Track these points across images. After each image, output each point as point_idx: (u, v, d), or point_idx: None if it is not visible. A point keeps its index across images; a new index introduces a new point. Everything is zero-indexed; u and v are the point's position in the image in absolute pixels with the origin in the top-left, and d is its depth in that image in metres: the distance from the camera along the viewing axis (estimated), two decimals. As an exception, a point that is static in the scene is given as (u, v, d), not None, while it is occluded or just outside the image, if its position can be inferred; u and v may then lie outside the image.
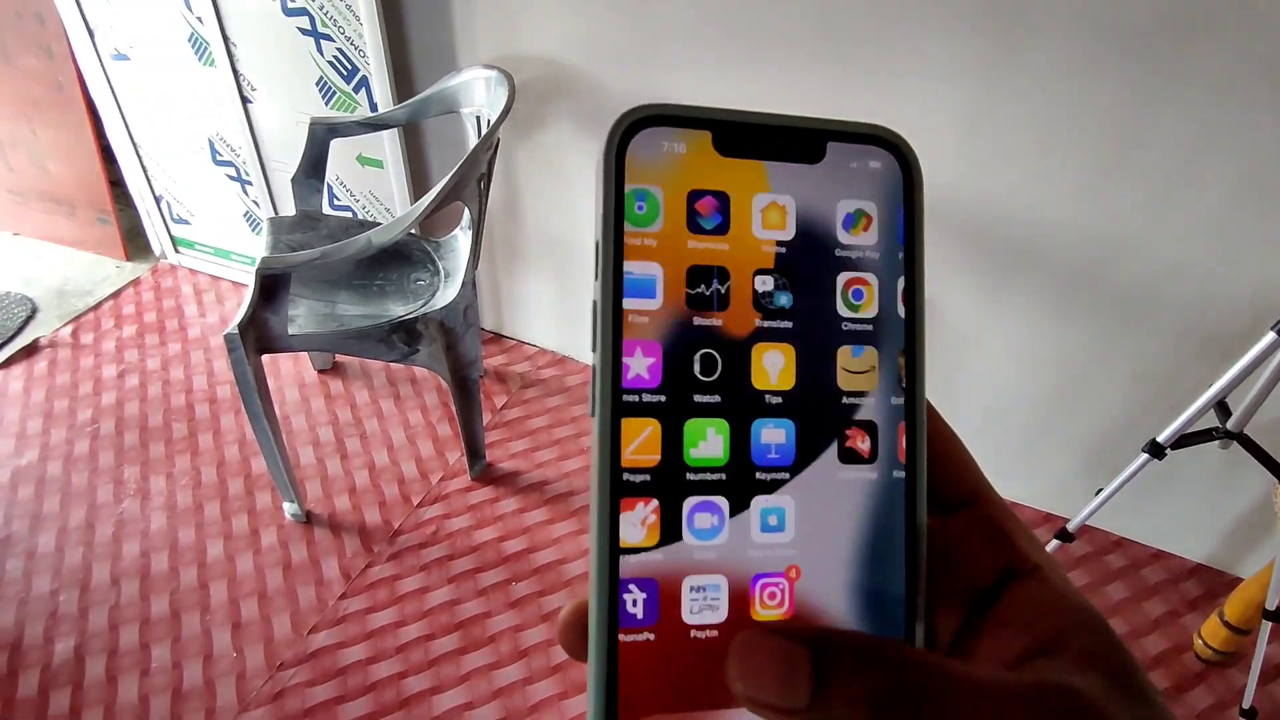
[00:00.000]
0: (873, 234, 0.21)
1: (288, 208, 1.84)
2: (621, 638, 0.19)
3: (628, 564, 0.19)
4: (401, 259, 1.53)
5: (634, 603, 0.19)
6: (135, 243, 2.17)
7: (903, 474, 0.21)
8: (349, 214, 1.80)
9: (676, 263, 0.20)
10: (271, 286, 1.23)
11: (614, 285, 0.19)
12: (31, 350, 1.89)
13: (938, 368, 1.39)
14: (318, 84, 1.61)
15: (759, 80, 1.31)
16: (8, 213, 2.25)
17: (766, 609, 0.20)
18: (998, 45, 1.15)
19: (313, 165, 1.51)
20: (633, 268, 0.19)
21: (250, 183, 1.86)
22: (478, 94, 1.39)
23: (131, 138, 1.92)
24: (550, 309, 1.82)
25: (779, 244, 0.20)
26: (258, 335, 1.27)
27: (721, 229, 0.20)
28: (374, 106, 1.58)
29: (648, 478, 0.19)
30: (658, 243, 0.20)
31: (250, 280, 1.88)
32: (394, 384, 1.81)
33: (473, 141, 1.43)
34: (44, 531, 1.51)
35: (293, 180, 1.52)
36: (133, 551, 1.48)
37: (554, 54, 1.43)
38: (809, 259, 0.20)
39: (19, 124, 2.05)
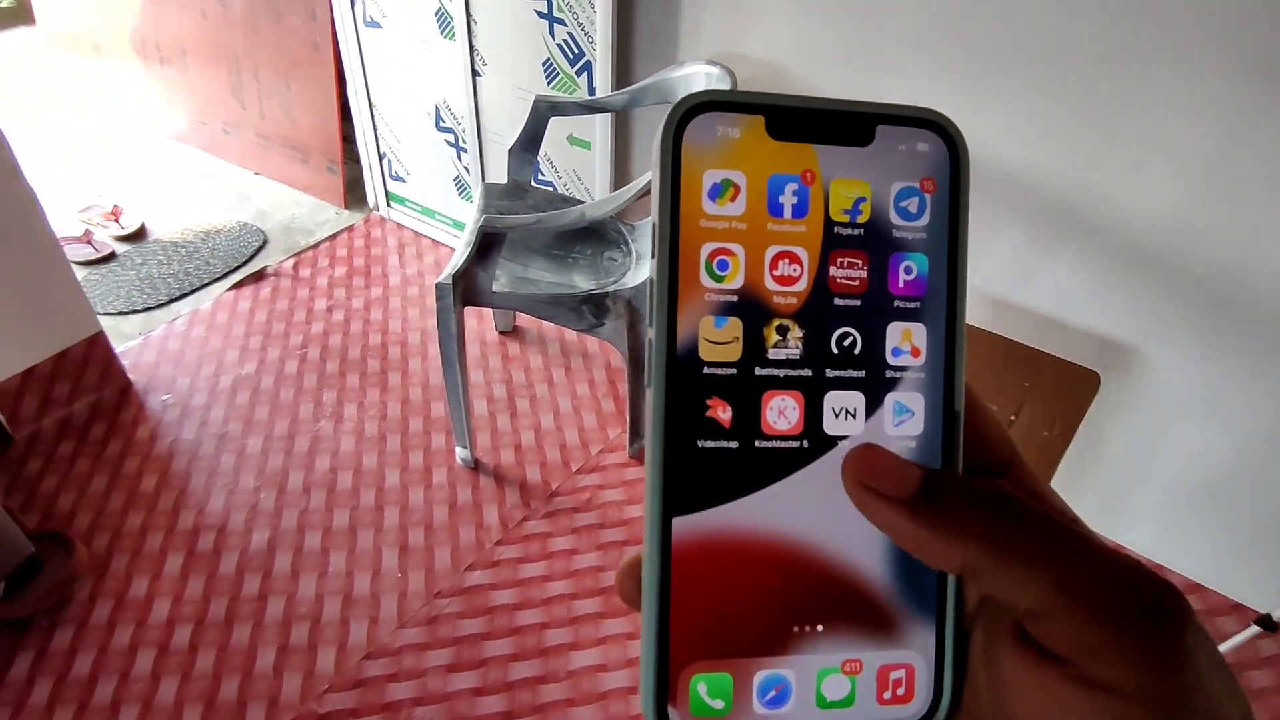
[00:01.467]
0: (922, 214, 0.22)
1: (496, 176, 1.97)
2: (676, 585, 0.20)
3: (684, 522, 0.21)
4: (598, 237, 1.61)
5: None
6: (354, 193, 2.39)
7: (940, 438, 0.22)
8: (550, 188, 1.90)
9: (737, 241, 0.21)
10: (488, 244, 1.33)
11: (669, 264, 0.20)
12: (259, 276, 2.13)
13: (1139, 420, 1.31)
14: (544, 64, 1.71)
15: (978, 95, 1.28)
16: (253, 153, 2.54)
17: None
18: (1251, 85, 1.07)
19: (530, 139, 1.61)
20: (691, 247, 0.21)
21: (465, 150, 2.00)
22: (696, 88, 1.44)
23: (369, 98, 2.12)
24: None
25: (833, 223, 0.21)
26: (465, 287, 1.38)
27: (777, 210, 0.21)
28: (592, 90, 1.67)
29: (720, 443, 0.21)
30: (716, 223, 0.21)
31: (449, 239, 2.02)
32: (566, 355, 1.91)
33: (683, 133, 1.48)
34: (253, 435, 1.70)
35: (510, 151, 1.62)
36: (323, 466, 1.64)
37: (775, 55, 1.46)
38: (859, 237, 0.22)
39: (277, 76, 2.31)
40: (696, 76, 1.44)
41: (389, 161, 2.22)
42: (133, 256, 2.18)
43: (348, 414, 1.75)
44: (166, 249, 2.21)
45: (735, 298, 0.21)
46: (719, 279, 0.21)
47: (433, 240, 2.26)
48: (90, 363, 1.73)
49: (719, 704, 0.21)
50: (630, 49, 1.62)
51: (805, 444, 0.21)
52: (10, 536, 1.27)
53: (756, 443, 0.21)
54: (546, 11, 1.63)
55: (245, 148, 2.55)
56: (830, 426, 0.21)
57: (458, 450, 1.64)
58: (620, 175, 1.78)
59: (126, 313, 2.00)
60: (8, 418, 1.63)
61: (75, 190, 2.45)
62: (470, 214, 2.07)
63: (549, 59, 1.70)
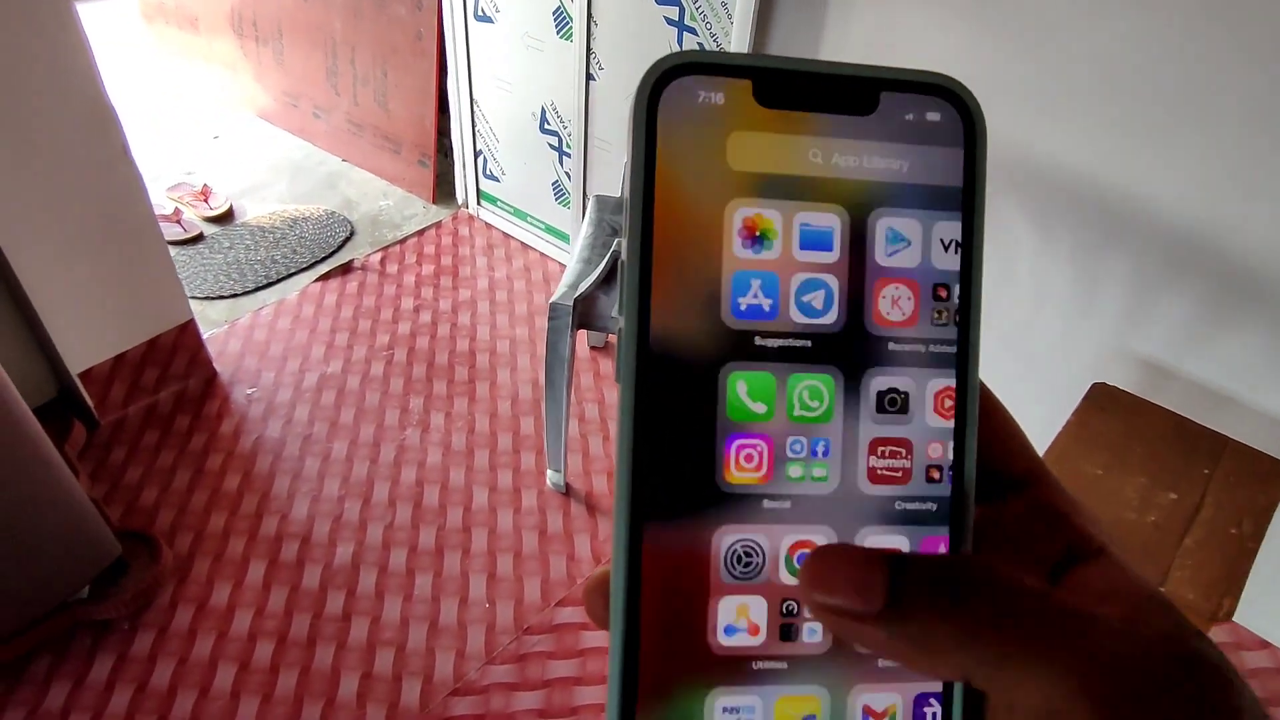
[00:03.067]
0: (930, 190, 0.19)
1: (598, 184, 1.89)
2: (647, 600, 0.18)
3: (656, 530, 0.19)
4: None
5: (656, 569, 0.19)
6: (443, 188, 2.33)
7: (949, 430, 0.20)
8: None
9: (713, 219, 0.19)
10: (617, 267, 1.25)
11: (642, 244, 0.18)
12: (346, 269, 2.08)
13: None
14: (667, 73, 1.62)
15: (1166, 146, 1.16)
16: (343, 140, 2.49)
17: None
18: None
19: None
20: (665, 226, 0.18)
21: (569, 155, 1.92)
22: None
23: (471, 93, 2.05)
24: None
25: (825, 198, 0.19)
26: (584, 310, 1.30)
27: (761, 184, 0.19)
28: (718, 105, 1.57)
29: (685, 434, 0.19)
30: (691, 199, 0.19)
31: (540, 243, 1.94)
32: (660, 377, 1.82)
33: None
34: (338, 439, 1.64)
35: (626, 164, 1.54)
36: (409, 478, 1.58)
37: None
38: (857, 214, 0.19)
39: (375, 63, 2.25)
40: (844, 101, 1.34)
41: (484, 159, 2.15)
42: (220, 239, 2.14)
43: (435, 424, 1.69)
44: (254, 233, 2.17)
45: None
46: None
47: (522, 243, 2.19)
48: (179, 350, 1.69)
49: None
50: (763, 63, 1.53)
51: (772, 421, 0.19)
52: (100, 537, 1.23)
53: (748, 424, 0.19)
54: (677, 19, 1.54)
55: (335, 133, 2.50)
56: (813, 410, 0.19)
57: (549, 473, 1.57)
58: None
59: (213, 298, 1.96)
60: (96, 403, 1.59)
61: (164, 165, 2.42)
62: (570, 222, 2.00)
63: (673, 68, 1.60)
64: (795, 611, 0.19)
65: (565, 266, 2.11)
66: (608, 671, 0.18)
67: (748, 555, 0.19)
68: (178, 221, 2.13)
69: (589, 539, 1.49)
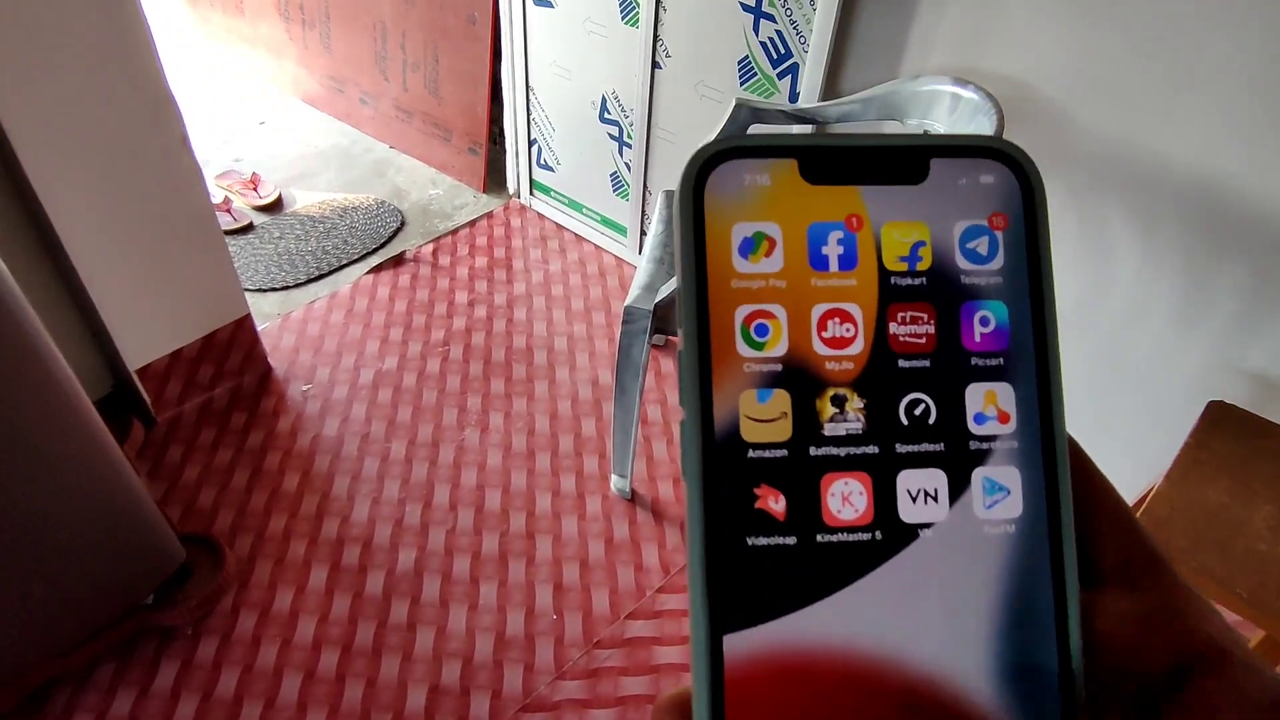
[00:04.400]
0: (994, 256, 0.19)
1: (659, 176, 1.83)
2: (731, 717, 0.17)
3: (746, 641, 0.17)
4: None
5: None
6: (494, 177, 2.28)
7: (1044, 522, 0.18)
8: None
9: (776, 302, 0.18)
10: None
11: (699, 334, 0.18)
12: (399, 261, 2.03)
13: None
14: (740, 63, 1.55)
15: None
16: (391, 127, 2.44)
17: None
18: None
19: (725, 147, 1.45)
20: (725, 312, 0.18)
21: (629, 145, 1.86)
22: (937, 109, 1.26)
23: (527, 80, 1.98)
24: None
25: (889, 273, 0.18)
26: (660, 315, 1.24)
27: (821, 263, 0.18)
28: (794, 96, 1.50)
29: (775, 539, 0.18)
30: (751, 283, 0.18)
31: (595, 235, 1.89)
32: (723, 377, 1.76)
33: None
34: (396, 439, 1.61)
35: (699, 158, 1.47)
36: (470, 481, 1.54)
37: (1024, 74, 1.26)
38: (921, 288, 0.18)
39: (425, 48, 2.19)
40: (939, 96, 1.26)
41: (538, 148, 2.09)
42: (270, 229, 2.11)
43: (494, 424, 1.64)
44: (304, 223, 2.13)
45: (780, 366, 0.18)
46: (758, 346, 0.18)
47: (576, 235, 2.13)
48: (235, 346, 1.66)
49: None
50: (844, 54, 1.45)
51: (878, 535, 0.18)
52: (165, 543, 1.20)
53: (819, 537, 0.18)
54: (754, 5, 1.47)
55: (383, 119, 2.45)
56: (907, 513, 0.18)
57: (614, 479, 1.52)
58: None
59: (265, 290, 1.93)
60: (153, 399, 1.57)
61: (212, 152, 2.39)
62: (628, 215, 1.94)
63: (748, 57, 1.53)
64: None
65: (619, 259, 2.05)
66: None
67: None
68: (228, 210, 2.10)
69: (657, 548, 1.44)
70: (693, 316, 0.18)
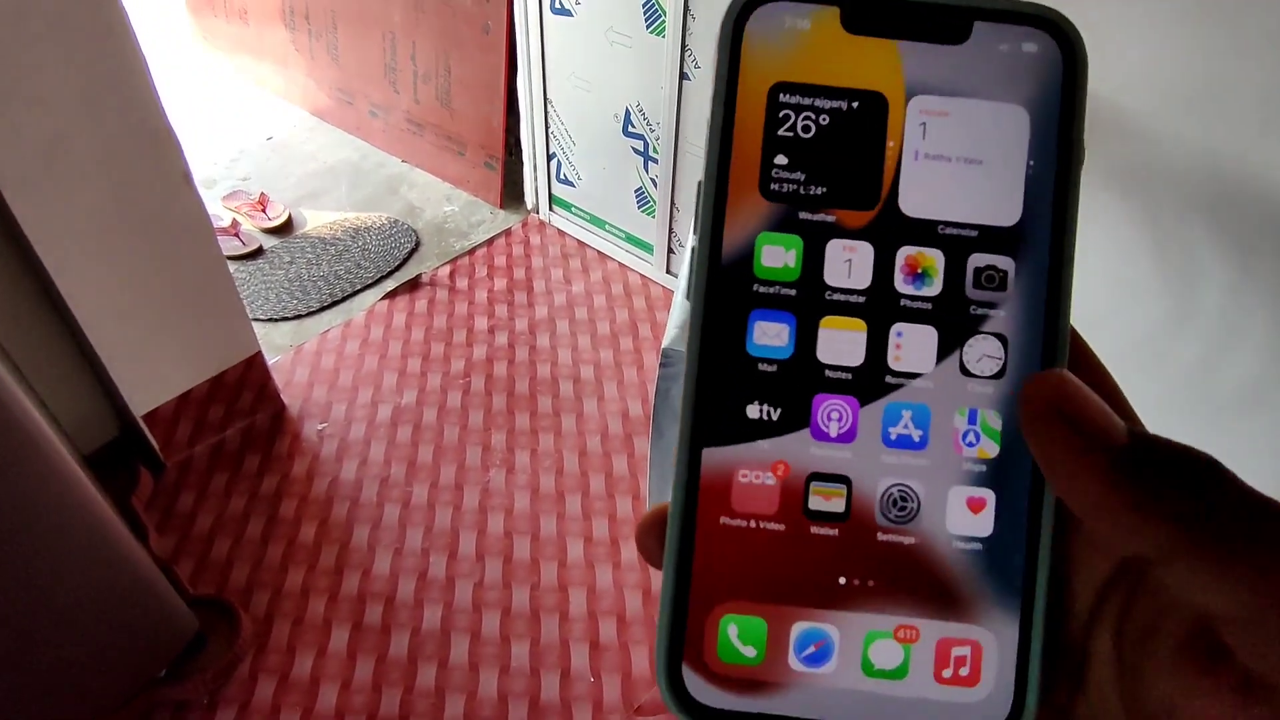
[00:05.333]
0: (1022, 127, 0.19)
1: (686, 192, 1.73)
2: (718, 523, 0.19)
3: (728, 452, 0.19)
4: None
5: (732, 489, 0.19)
6: (510, 192, 2.18)
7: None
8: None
9: (799, 152, 0.19)
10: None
11: (719, 165, 0.19)
12: (414, 285, 1.94)
13: None
14: (776, 74, 1.44)
15: None
16: (402, 140, 2.35)
17: (890, 520, 0.19)
18: None
19: (763, 168, 1.35)
20: (750, 154, 0.19)
21: (655, 160, 1.75)
22: (1002, 125, 1.15)
23: (545, 92, 1.88)
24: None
25: (909, 132, 0.19)
26: (702, 360, 1.14)
27: (849, 117, 0.19)
28: (837, 110, 1.39)
29: (772, 368, 0.19)
30: (777, 130, 0.19)
31: (619, 253, 1.80)
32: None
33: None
34: (418, 482, 1.52)
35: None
36: (497, 529, 1.45)
37: (1100, 87, 1.15)
38: (944, 150, 0.19)
39: (438, 59, 2.10)
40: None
41: (558, 162, 1.99)
42: (280, 253, 2.02)
43: (520, 463, 1.55)
44: (315, 246, 2.04)
45: (795, 212, 0.19)
46: (780, 195, 0.19)
47: (599, 252, 2.03)
48: (246, 385, 1.58)
49: (750, 651, 0.18)
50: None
51: (867, 379, 0.19)
52: (176, 615, 1.12)
53: (811, 368, 0.19)
54: (793, 13, 1.36)
55: (393, 133, 2.36)
56: (895, 363, 0.19)
57: (650, 523, 1.43)
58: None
59: (277, 319, 1.85)
60: (161, 444, 1.49)
61: (218, 171, 2.31)
62: (654, 232, 1.84)
63: (785, 68, 1.42)
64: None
65: (646, 278, 1.95)
66: (660, 596, 0.18)
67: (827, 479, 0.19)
68: (236, 234, 2.01)
69: (698, 601, 1.35)
70: (717, 147, 0.19)
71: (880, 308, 0.19)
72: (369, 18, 2.21)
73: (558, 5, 1.72)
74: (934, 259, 0.19)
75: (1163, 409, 1.32)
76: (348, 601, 1.34)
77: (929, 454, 0.19)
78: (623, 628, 1.31)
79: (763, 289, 0.19)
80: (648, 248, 1.91)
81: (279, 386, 1.65)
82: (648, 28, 1.58)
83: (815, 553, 0.19)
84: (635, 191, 1.85)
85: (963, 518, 0.19)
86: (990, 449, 0.19)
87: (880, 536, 0.19)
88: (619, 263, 2.00)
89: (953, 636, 0.18)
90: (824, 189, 0.19)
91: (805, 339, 0.19)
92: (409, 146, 2.34)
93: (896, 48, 0.19)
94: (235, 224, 2.04)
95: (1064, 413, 0.16)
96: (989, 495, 0.19)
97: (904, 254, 0.19)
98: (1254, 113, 1.05)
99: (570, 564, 1.40)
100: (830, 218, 0.19)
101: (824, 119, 0.19)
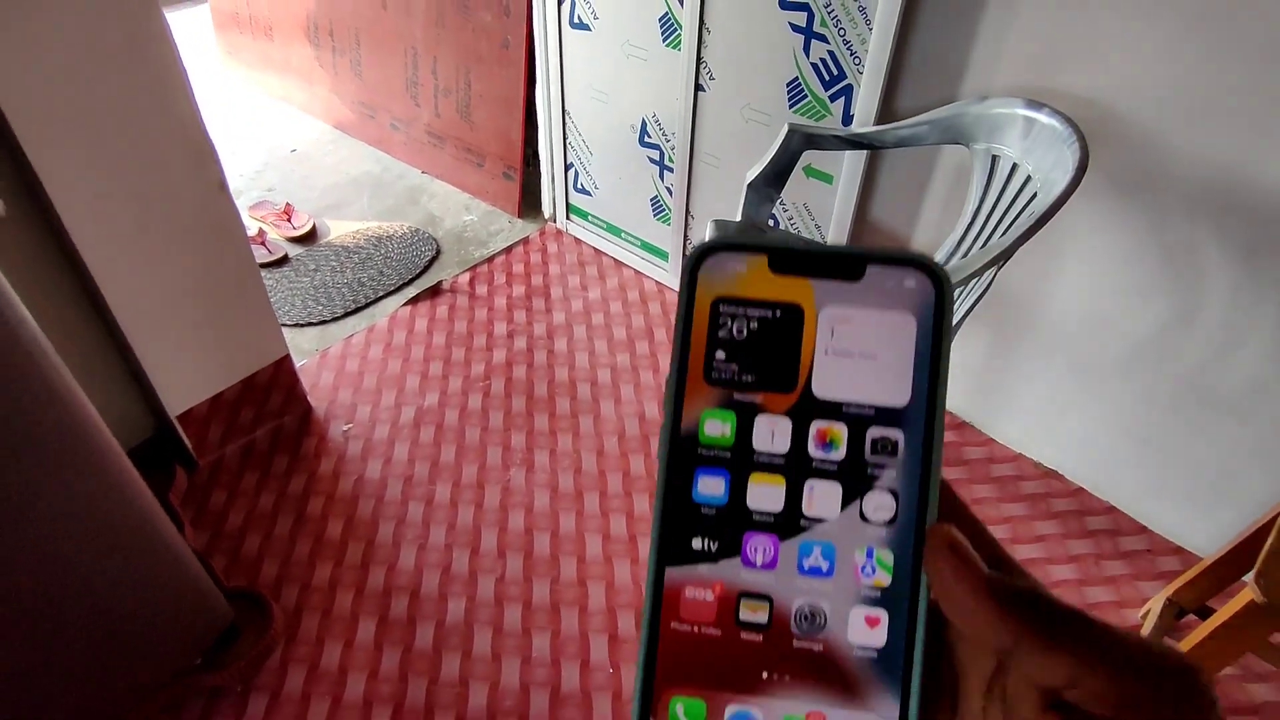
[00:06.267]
0: (906, 336, 0.24)
1: (703, 200, 1.77)
2: (672, 627, 0.24)
3: (681, 572, 0.24)
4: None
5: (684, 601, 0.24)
6: (528, 202, 2.23)
7: (913, 530, 0.24)
8: (783, 226, 1.69)
9: (737, 354, 0.25)
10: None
11: (679, 362, 0.25)
12: (435, 292, 1.99)
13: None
14: (789, 85, 1.49)
15: None
16: (423, 153, 2.41)
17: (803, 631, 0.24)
18: None
19: (777, 174, 1.39)
20: (699, 354, 0.25)
21: (671, 169, 1.80)
22: (1008, 133, 1.19)
23: (564, 104, 1.94)
24: (964, 368, 1.61)
25: (820, 334, 0.24)
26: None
27: (770, 338, 0.25)
28: (848, 119, 1.44)
29: (712, 511, 0.24)
30: (720, 342, 0.25)
31: (635, 260, 1.83)
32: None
33: (979, 182, 1.24)
34: (441, 481, 1.56)
35: (750, 185, 1.41)
36: (517, 525, 1.49)
37: (1104, 96, 1.19)
38: (848, 347, 0.24)
39: (458, 73, 2.16)
40: (1011, 120, 1.19)
41: (575, 172, 2.04)
42: (305, 261, 2.08)
43: (539, 462, 1.60)
44: (339, 254, 2.10)
45: (732, 395, 0.24)
46: (719, 380, 0.24)
47: (615, 260, 2.08)
48: (275, 387, 1.63)
49: None
50: (900, 73, 1.38)
51: (786, 521, 0.24)
52: (213, 604, 1.16)
53: (742, 512, 0.24)
54: (805, 26, 1.41)
55: (414, 145, 2.42)
56: (808, 509, 0.24)
57: (666, 521, 1.46)
58: (861, 214, 1.55)
59: (303, 325, 1.90)
60: (195, 444, 1.54)
61: (245, 182, 2.37)
62: (669, 239, 1.88)
63: (797, 79, 1.47)
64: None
65: (661, 284, 2.00)
66: (635, 675, 0.24)
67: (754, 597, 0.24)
68: (262, 243, 2.07)
69: (714, 595, 1.38)
70: (678, 356, 0.24)
71: (796, 467, 0.24)
72: (392, 34, 2.28)
73: (576, 20, 1.78)
74: (840, 431, 0.24)
75: (1169, 408, 1.35)
76: (374, 595, 1.38)
77: (834, 580, 0.24)
78: (640, 621, 1.35)
79: (705, 452, 0.24)
80: (663, 255, 1.96)
81: (305, 389, 1.70)
82: (664, 41, 1.64)
83: (744, 652, 0.23)
84: (651, 200, 1.90)
85: (861, 631, 0.23)
86: (884, 579, 0.23)
87: (795, 643, 0.23)
88: (635, 270, 2.05)
89: None
90: (753, 377, 0.24)
91: (737, 490, 0.24)
92: (429, 158, 2.40)
93: (809, 282, 0.24)
94: (261, 233, 2.10)
95: (953, 552, 0.22)
96: (883, 614, 0.23)
97: (816, 427, 0.24)
98: (1251, 118, 1.09)
99: (589, 559, 1.44)
100: (758, 399, 0.24)
101: (754, 324, 0.24)
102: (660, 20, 1.62)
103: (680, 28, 1.59)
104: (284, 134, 2.62)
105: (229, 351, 1.53)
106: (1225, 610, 0.95)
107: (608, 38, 1.74)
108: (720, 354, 0.24)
